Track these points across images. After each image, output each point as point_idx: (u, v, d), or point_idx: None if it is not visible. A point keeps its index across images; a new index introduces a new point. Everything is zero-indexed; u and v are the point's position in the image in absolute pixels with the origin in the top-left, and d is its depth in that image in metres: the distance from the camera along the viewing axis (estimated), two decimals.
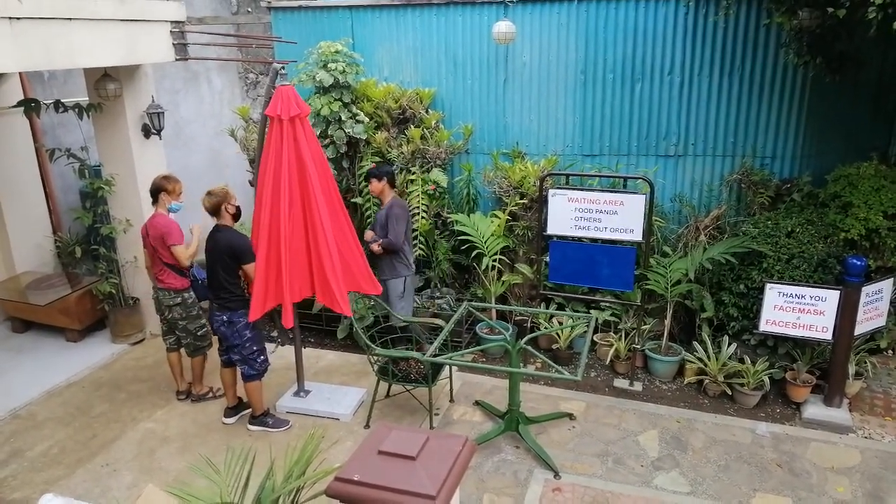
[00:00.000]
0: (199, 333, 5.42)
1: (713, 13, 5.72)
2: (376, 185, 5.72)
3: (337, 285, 4.73)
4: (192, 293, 5.33)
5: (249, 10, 9.32)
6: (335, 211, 4.92)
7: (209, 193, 4.95)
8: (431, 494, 2.37)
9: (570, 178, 5.96)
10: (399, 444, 2.59)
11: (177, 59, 6.13)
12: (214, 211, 4.91)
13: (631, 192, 5.46)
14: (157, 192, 5.20)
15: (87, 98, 6.21)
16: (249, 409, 5.21)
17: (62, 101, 6.09)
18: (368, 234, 5.73)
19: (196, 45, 6.36)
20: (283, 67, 4.74)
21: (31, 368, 6.11)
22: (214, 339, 5.27)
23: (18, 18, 4.55)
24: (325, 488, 2.51)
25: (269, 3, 7.13)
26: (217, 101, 9.35)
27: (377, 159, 6.45)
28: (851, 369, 5.24)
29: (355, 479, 2.46)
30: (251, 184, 6.49)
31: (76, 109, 6.05)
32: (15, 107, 5.99)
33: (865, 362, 5.36)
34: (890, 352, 5.67)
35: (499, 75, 6.48)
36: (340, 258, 4.86)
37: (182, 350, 5.54)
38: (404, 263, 5.76)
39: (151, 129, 6.30)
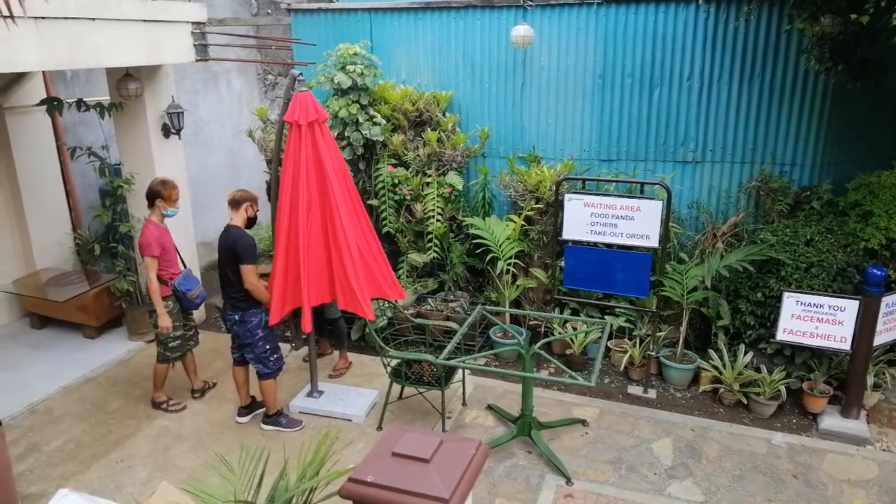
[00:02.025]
0: (170, 344, 5.30)
1: (734, 18, 5.69)
2: None
3: (360, 289, 4.75)
4: (170, 302, 5.20)
5: (269, 11, 9.39)
6: (356, 216, 4.94)
7: (241, 188, 5.08)
8: (445, 497, 2.37)
9: (587, 182, 5.94)
10: (413, 447, 2.59)
11: (197, 60, 6.19)
12: (236, 204, 4.93)
13: (648, 198, 5.43)
14: (152, 197, 5.11)
15: (109, 97, 6.29)
16: (263, 409, 5.23)
17: (84, 100, 6.16)
18: None
19: (216, 46, 6.42)
20: (300, 74, 4.78)
21: (48, 364, 6.18)
22: (219, 341, 5.26)
23: (44, 18, 4.62)
24: (339, 489, 2.52)
25: (288, 4, 7.18)
26: (236, 101, 9.43)
27: (393, 161, 6.47)
28: (870, 380, 5.17)
29: (369, 480, 2.47)
30: (268, 184, 6.54)
31: (98, 108, 6.12)
32: (38, 105, 6.08)
33: (884, 373, 5.29)
34: None
35: (516, 79, 6.47)
36: (363, 263, 4.87)
37: (193, 350, 5.59)
38: None
39: (171, 128, 6.37)
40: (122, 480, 4.59)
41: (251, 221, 5.03)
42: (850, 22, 4.35)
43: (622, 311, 6.04)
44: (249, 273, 4.85)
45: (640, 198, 5.45)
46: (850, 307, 4.95)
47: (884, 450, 4.94)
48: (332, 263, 4.87)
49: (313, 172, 4.74)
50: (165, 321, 5.14)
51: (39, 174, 6.96)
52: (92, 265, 7.21)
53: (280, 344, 5.32)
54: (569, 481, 4.54)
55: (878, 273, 4.84)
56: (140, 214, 6.38)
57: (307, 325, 4.85)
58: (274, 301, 4.89)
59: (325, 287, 4.96)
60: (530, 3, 6.16)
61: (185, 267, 5.43)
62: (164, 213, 5.17)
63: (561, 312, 6.21)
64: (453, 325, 5.90)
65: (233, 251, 4.83)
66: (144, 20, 5.52)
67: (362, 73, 6.14)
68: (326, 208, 4.78)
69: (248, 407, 5.32)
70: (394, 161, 6.49)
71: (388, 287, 5.13)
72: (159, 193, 5.11)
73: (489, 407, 5.45)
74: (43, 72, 6.74)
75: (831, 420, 5.16)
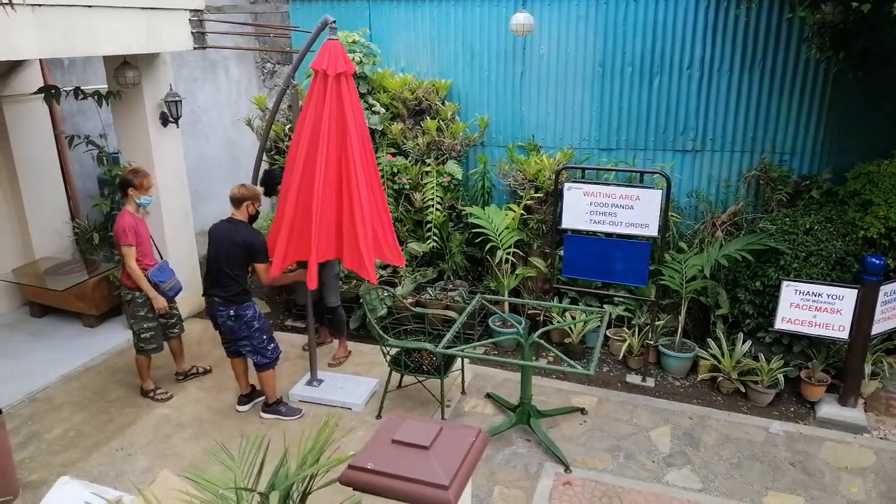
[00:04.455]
0: (142, 335, 5.28)
1: (734, 7, 5.67)
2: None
3: (367, 251, 4.58)
4: (142, 294, 5.18)
5: None
6: (370, 176, 4.75)
7: (242, 185, 4.97)
8: (444, 484, 2.38)
9: (586, 171, 5.93)
10: (413, 434, 2.59)
11: (195, 48, 6.16)
12: (237, 202, 4.88)
13: (647, 187, 5.43)
14: (124, 186, 5.07)
15: (107, 85, 6.26)
16: (262, 397, 5.25)
17: (82, 88, 6.13)
18: None
19: (214, 34, 6.38)
20: (334, 21, 4.49)
21: (48, 353, 6.19)
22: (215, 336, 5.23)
23: (40, 5, 4.59)
24: (339, 476, 2.53)
25: None
26: (234, 90, 9.38)
27: (392, 150, 6.46)
28: (867, 369, 5.19)
29: (369, 467, 2.47)
30: (266, 173, 6.51)
31: (95, 97, 6.09)
32: (35, 93, 6.05)
33: (882, 362, 5.30)
34: None
35: (516, 67, 6.45)
36: (372, 224, 4.70)
37: (181, 335, 5.62)
38: None
39: (169, 117, 6.34)
40: (123, 468, 4.61)
41: (252, 219, 5.01)
42: (852, 10, 4.33)
43: (621, 300, 6.05)
44: (266, 271, 4.89)
45: (639, 187, 5.44)
46: (849, 296, 4.96)
47: (881, 438, 4.96)
48: (343, 220, 4.67)
49: (335, 126, 4.50)
50: (160, 302, 5.19)
51: (37, 163, 6.94)
52: (91, 254, 7.20)
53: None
54: (567, 469, 4.57)
55: (877, 262, 4.85)
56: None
57: (313, 281, 4.67)
58: (276, 255, 4.72)
59: (332, 244, 4.76)
60: None
61: (161, 258, 5.40)
62: (138, 201, 5.12)
63: (560, 301, 6.22)
64: (452, 315, 5.91)
65: (247, 249, 4.80)
66: (142, 7, 5.48)
67: (361, 62, 6.11)
68: (344, 164, 4.57)
69: (248, 395, 5.34)
70: (393, 150, 6.47)
71: (390, 251, 4.97)
72: (130, 182, 5.06)
73: (488, 395, 5.47)
74: (40, 60, 6.70)
75: (829, 408, 5.18)
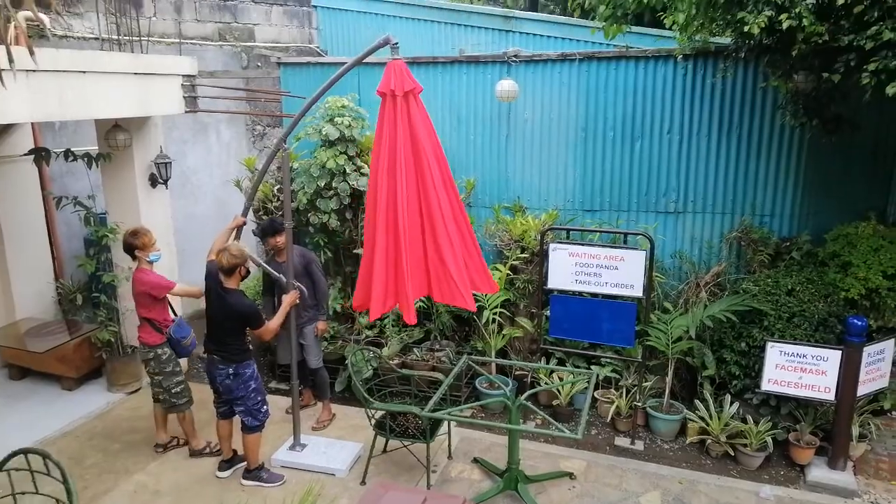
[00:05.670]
0: (174, 390, 5.26)
1: (711, 75, 5.87)
2: (281, 239, 5.57)
3: (461, 278, 4.32)
4: (166, 349, 5.20)
5: (259, 64, 9.56)
6: (451, 198, 4.46)
7: (229, 253, 4.69)
8: None
9: (571, 232, 6.00)
10: None
11: (186, 112, 6.26)
12: (229, 272, 4.71)
13: (631, 248, 5.50)
14: (130, 250, 5.12)
15: (97, 147, 6.32)
16: (244, 463, 5.12)
17: (72, 149, 6.19)
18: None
19: (206, 98, 6.51)
20: (396, 42, 4.26)
21: (25, 417, 6.03)
22: (205, 392, 5.12)
23: (35, 71, 4.68)
24: None
25: (278, 59, 7.33)
26: (224, 151, 9.50)
27: None
28: (855, 431, 5.16)
29: None
30: (254, 233, 6.54)
31: (85, 158, 6.14)
32: (26, 155, 6.09)
33: (869, 424, 5.28)
34: (894, 413, 5.57)
35: (501, 131, 6.60)
36: (461, 252, 4.45)
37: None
38: (319, 306, 5.91)
39: (158, 178, 6.39)
40: None
41: (244, 277, 4.96)
42: (823, 80, 4.50)
43: (608, 360, 6.03)
44: (264, 332, 4.87)
45: (623, 248, 5.51)
46: (833, 357, 4.98)
47: (871, 502, 4.90)
48: (427, 249, 4.39)
49: (409, 150, 4.25)
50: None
51: (23, 223, 6.93)
52: (73, 315, 7.12)
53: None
54: None
55: (859, 323, 4.89)
56: (124, 264, 6.35)
57: (411, 316, 4.34)
58: (374, 296, 4.40)
59: (422, 278, 4.44)
60: (514, 58, 6.34)
61: (175, 315, 5.39)
62: (148, 259, 5.16)
63: (547, 362, 6.19)
64: (439, 376, 5.85)
65: (242, 319, 4.77)
66: (136, 73, 5.60)
67: (350, 125, 6.24)
68: (422, 189, 4.30)
69: (230, 461, 5.20)
70: None
71: (481, 278, 4.61)
72: (133, 245, 5.10)
73: (475, 460, 5.37)
74: (32, 122, 6.78)
75: (819, 472, 5.12)
